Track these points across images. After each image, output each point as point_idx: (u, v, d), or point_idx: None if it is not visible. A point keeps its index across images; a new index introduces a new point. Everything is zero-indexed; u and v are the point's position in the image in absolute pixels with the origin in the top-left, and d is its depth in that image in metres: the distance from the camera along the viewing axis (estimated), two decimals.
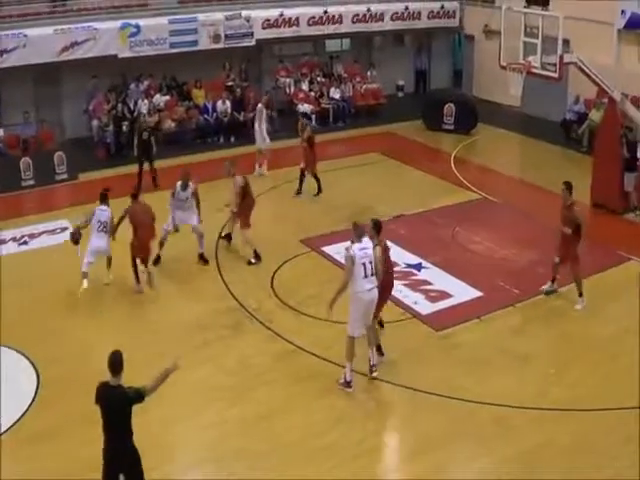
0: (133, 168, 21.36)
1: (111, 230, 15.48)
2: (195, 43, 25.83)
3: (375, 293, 12.24)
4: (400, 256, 16.76)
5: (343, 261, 13.13)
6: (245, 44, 27.00)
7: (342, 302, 12.25)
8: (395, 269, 15.88)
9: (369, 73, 29.93)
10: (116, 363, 8.69)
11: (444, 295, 15.41)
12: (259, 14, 27.12)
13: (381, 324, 13.55)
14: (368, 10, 29.27)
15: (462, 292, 15.49)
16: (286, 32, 27.84)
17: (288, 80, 28.35)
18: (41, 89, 24.41)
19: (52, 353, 13.23)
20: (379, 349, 12.98)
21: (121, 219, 15.52)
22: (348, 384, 12.27)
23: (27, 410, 11.79)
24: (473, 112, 27.39)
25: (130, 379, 8.84)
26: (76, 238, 15.71)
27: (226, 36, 26.39)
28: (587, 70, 18.76)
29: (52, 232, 18.55)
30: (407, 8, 30.13)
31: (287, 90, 28.08)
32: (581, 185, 19.40)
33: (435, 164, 23.74)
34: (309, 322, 14.37)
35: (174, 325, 14.23)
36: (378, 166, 23.45)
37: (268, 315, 14.66)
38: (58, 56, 23.49)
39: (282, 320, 14.51)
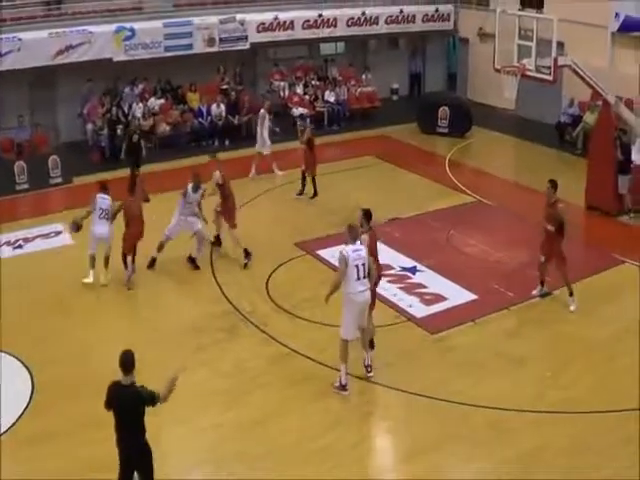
0: (128, 172, 21.27)
1: (112, 217, 15.84)
2: (190, 47, 25.80)
3: (368, 295, 12.27)
4: (395, 259, 16.79)
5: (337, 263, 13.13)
6: (240, 47, 26.98)
7: (336, 305, 12.26)
8: (390, 272, 16.05)
9: (364, 76, 29.91)
10: (128, 362, 8.76)
11: (439, 298, 15.41)
12: (254, 17, 27.11)
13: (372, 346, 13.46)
14: (363, 13, 29.30)
15: (457, 295, 15.50)
16: (281, 35, 27.84)
17: (283, 83, 28.35)
18: (36, 93, 24.36)
19: (47, 356, 13.20)
20: (371, 342, 12.99)
21: (117, 211, 15.86)
22: (343, 387, 12.27)
23: (23, 413, 11.76)
24: (468, 115, 27.40)
25: None
26: (77, 227, 15.96)
27: (221, 39, 26.37)
28: (581, 73, 18.80)
29: (46, 236, 18.51)
30: (402, 11, 30.16)
31: (282, 94, 28.08)
32: (575, 187, 19.52)
33: (430, 167, 23.74)
34: (304, 325, 14.37)
35: (170, 329, 14.21)
36: (373, 169, 23.45)
37: (263, 318, 14.64)
38: (53, 60, 23.44)
39: (277, 323, 14.50)
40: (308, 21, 28.22)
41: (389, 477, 11.08)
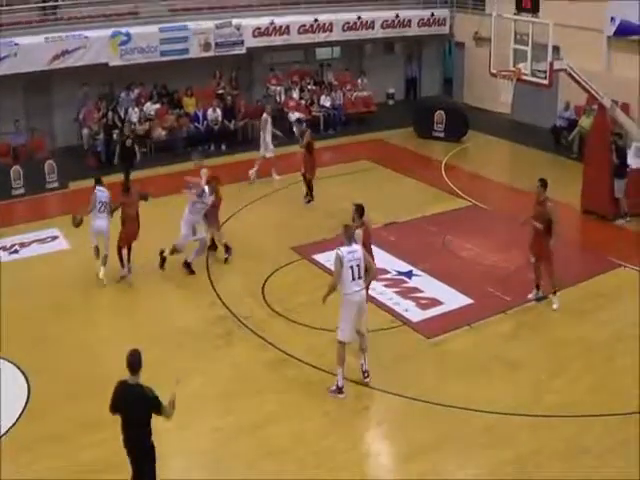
0: (122, 177, 21.25)
1: (111, 210, 16.11)
2: (186, 51, 25.83)
3: (364, 293, 12.32)
4: (391, 263, 16.80)
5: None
6: (236, 52, 27.02)
7: (333, 309, 12.27)
8: (386, 276, 16.05)
9: (360, 81, 29.97)
10: (134, 362, 8.80)
11: (435, 302, 15.40)
12: (250, 22, 27.15)
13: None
14: (359, 18, 29.35)
15: (453, 299, 15.49)
16: (277, 40, 27.89)
17: (279, 88, 28.36)
18: (32, 97, 24.40)
19: (43, 360, 13.21)
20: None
21: (115, 209, 16.12)
22: (340, 390, 12.27)
23: (19, 417, 11.74)
24: (463, 119, 27.43)
25: None
26: (78, 221, 16.14)
27: (217, 44, 26.40)
28: (577, 77, 18.84)
29: (43, 241, 18.49)
30: (397, 16, 30.23)
31: (278, 98, 28.08)
32: (571, 191, 19.55)
33: (426, 171, 23.75)
34: (300, 330, 14.35)
35: (166, 335, 14.17)
36: (369, 174, 23.45)
37: (260, 323, 14.63)
38: (49, 64, 23.46)
39: (273, 328, 14.49)
40: (304, 26, 28.28)
41: None
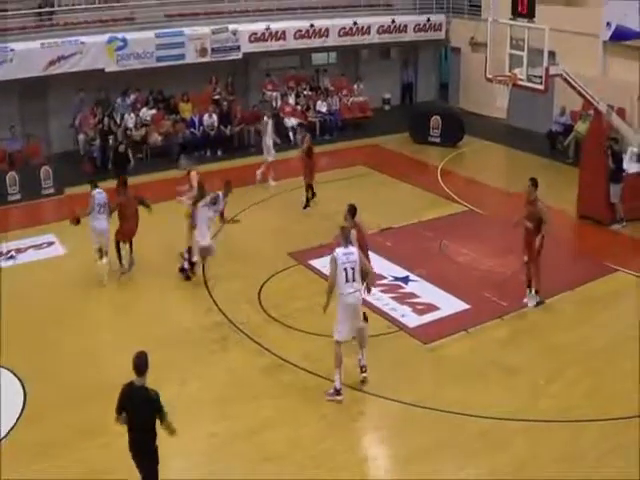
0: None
1: (110, 211, 16.35)
2: (182, 57, 25.88)
3: (358, 295, 12.32)
4: (387, 269, 16.78)
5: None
6: (232, 57, 27.07)
7: (329, 315, 12.27)
8: (382, 282, 16.04)
9: (356, 86, 30.01)
10: (141, 364, 8.85)
11: (431, 308, 15.39)
12: (246, 28, 27.23)
13: (365, 318, 13.53)
14: (355, 23, 29.43)
15: (449, 305, 15.47)
16: (273, 45, 27.97)
17: (275, 94, 28.40)
18: (27, 103, 24.41)
19: (40, 367, 13.17)
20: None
21: (113, 210, 16.34)
22: (338, 392, 12.26)
23: (16, 423, 11.70)
24: (459, 124, 27.46)
25: None
26: (77, 220, 16.39)
27: (213, 50, 26.44)
28: (573, 82, 18.86)
29: (39, 246, 18.48)
30: (393, 21, 30.33)
31: (274, 104, 28.09)
32: (567, 196, 19.57)
33: (422, 176, 23.77)
34: (296, 335, 14.33)
35: (162, 340, 14.09)
36: (365, 179, 23.45)
37: (256, 329, 14.61)
38: (45, 70, 23.51)
39: (270, 334, 14.47)
40: (300, 31, 28.36)
41: None
